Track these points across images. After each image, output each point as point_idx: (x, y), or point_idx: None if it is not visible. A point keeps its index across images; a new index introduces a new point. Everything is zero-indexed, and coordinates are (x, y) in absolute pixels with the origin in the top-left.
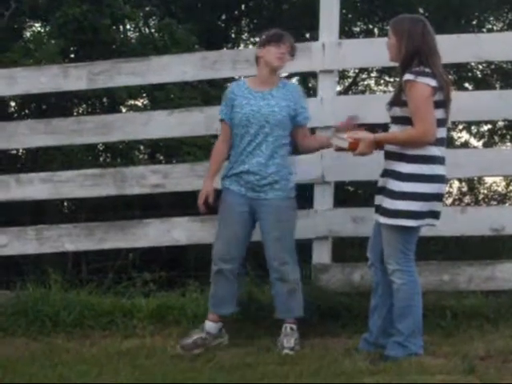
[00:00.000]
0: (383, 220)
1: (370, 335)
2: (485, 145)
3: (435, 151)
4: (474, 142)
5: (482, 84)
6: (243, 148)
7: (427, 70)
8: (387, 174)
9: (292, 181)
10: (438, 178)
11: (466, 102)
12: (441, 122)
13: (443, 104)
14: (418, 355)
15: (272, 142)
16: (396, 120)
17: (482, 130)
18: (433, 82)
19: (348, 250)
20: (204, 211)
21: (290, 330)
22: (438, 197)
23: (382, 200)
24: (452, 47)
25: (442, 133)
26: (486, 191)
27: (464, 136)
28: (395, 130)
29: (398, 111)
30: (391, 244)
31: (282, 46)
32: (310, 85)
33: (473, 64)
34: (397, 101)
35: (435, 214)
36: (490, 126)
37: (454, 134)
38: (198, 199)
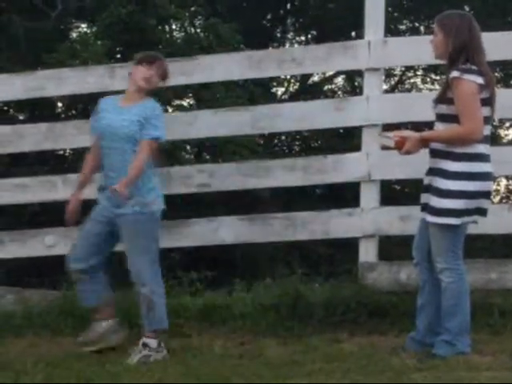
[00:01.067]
0: (431, 219)
1: (416, 334)
2: None
3: (481, 149)
4: None
5: None
6: (103, 161)
7: (474, 67)
8: (433, 172)
9: (151, 196)
10: (485, 176)
11: None
12: (486, 120)
13: (489, 102)
14: (466, 354)
15: (122, 156)
16: (441, 118)
17: None
18: (479, 80)
19: (395, 248)
20: (72, 224)
21: (140, 346)
22: (485, 194)
23: (428, 198)
24: (496, 44)
25: (487, 130)
26: None
27: (511, 133)
28: (440, 127)
29: (444, 109)
30: (439, 242)
31: (153, 68)
32: (356, 83)
33: None
34: (443, 98)
35: (482, 212)
36: None
37: (501, 132)
38: None
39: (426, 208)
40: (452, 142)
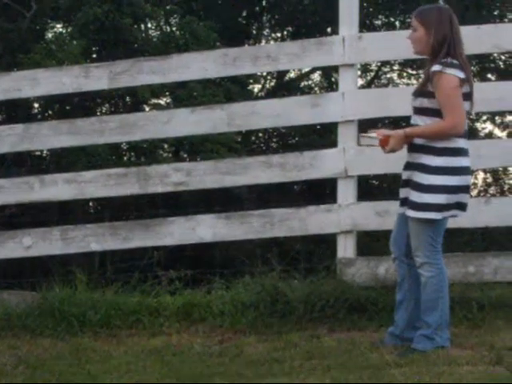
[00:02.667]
0: (412, 213)
1: (395, 329)
2: (509, 135)
3: (462, 143)
4: (498, 132)
5: (504, 74)
6: None
7: (455, 61)
8: (413, 166)
9: None
10: (466, 170)
11: (490, 93)
12: (466, 114)
13: (469, 96)
14: (445, 348)
15: None
16: (421, 111)
17: (506, 120)
18: (461, 74)
19: (373, 243)
20: None
21: None
22: (465, 189)
23: (408, 193)
24: (472, 38)
25: (466, 125)
26: (511, 182)
27: (488, 127)
28: (419, 121)
29: (425, 102)
30: (419, 237)
31: None
32: (332, 79)
33: (495, 55)
34: (423, 91)
35: (462, 206)
36: None
37: (478, 125)
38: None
39: (406, 203)
40: (436, 136)
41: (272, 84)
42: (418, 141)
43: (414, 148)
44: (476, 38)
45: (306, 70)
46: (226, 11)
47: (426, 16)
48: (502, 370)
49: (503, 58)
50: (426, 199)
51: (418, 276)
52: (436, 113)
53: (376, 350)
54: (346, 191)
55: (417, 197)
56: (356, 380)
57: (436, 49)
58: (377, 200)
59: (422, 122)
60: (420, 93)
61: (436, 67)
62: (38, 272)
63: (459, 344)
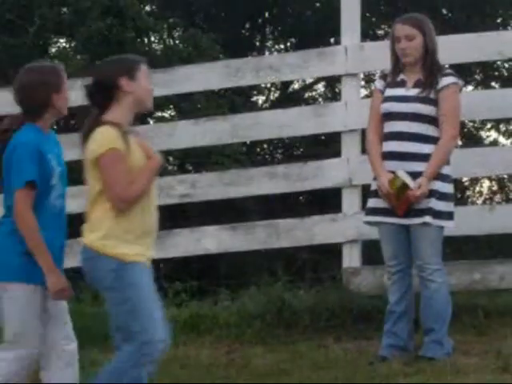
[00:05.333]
0: (433, 221)
1: (398, 341)
2: None
3: None
4: (502, 140)
5: (508, 82)
6: None
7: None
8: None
9: None
10: None
11: (494, 100)
12: None
13: None
14: (451, 355)
15: None
16: (415, 117)
17: (510, 128)
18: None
19: (378, 252)
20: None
21: None
22: None
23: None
24: (474, 46)
25: None
26: None
27: (493, 135)
28: (414, 127)
29: (421, 108)
30: (434, 244)
31: None
32: (336, 90)
33: (499, 63)
34: (424, 98)
35: None
36: None
37: (483, 133)
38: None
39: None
40: (449, 155)
41: (276, 95)
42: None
43: (412, 156)
44: (478, 46)
45: (310, 80)
46: (228, 23)
47: (423, 23)
48: (510, 377)
49: (507, 65)
50: (441, 207)
51: (412, 286)
52: (432, 120)
53: (383, 359)
54: (351, 200)
55: (444, 206)
56: None
57: (432, 57)
58: None
59: (418, 128)
60: (420, 99)
61: (452, 79)
62: None
63: (466, 352)
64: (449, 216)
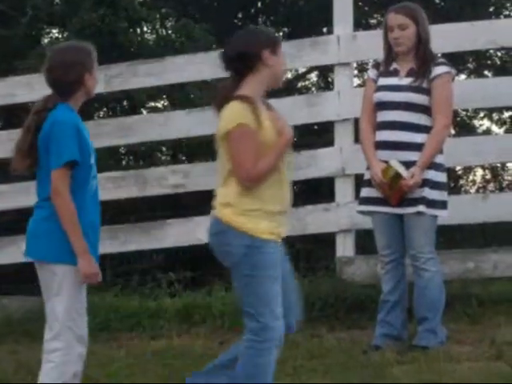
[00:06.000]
0: (427, 210)
1: (391, 330)
2: (507, 131)
3: None
4: (495, 129)
5: (501, 71)
6: None
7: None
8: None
9: None
10: None
11: (487, 89)
12: None
13: None
14: (445, 344)
15: None
16: (408, 106)
17: (503, 116)
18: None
19: (372, 242)
20: None
21: None
22: None
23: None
24: (467, 35)
25: None
26: (510, 178)
27: (485, 123)
28: (405, 116)
29: (414, 98)
30: (428, 233)
31: None
32: (329, 79)
33: (492, 52)
34: (417, 87)
35: None
36: (511, 113)
37: (476, 122)
38: None
39: (406, 201)
40: (442, 144)
41: None
42: (422, 139)
43: (408, 146)
44: (471, 35)
45: (303, 70)
46: (221, 13)
47: (416, 13)
48: (503, 365)
49: (499, 54)
50: (435, 196)
51: (405, 275)
52: (425, 110)
53: (376, 348)
54: (344, 190)
55: (437, 195)
56: (358, 380)
57: (425, 45)
58: None
59: (411, 117)
60: (412, 88)
61: (445, 68)
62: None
63: (459, 340)
64: (442, 205)
